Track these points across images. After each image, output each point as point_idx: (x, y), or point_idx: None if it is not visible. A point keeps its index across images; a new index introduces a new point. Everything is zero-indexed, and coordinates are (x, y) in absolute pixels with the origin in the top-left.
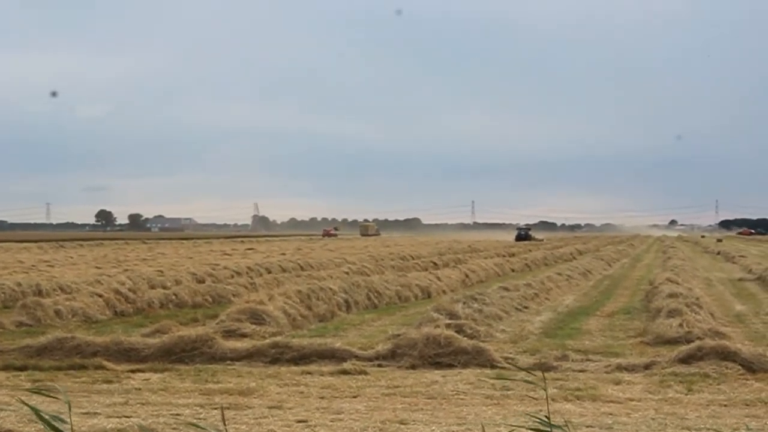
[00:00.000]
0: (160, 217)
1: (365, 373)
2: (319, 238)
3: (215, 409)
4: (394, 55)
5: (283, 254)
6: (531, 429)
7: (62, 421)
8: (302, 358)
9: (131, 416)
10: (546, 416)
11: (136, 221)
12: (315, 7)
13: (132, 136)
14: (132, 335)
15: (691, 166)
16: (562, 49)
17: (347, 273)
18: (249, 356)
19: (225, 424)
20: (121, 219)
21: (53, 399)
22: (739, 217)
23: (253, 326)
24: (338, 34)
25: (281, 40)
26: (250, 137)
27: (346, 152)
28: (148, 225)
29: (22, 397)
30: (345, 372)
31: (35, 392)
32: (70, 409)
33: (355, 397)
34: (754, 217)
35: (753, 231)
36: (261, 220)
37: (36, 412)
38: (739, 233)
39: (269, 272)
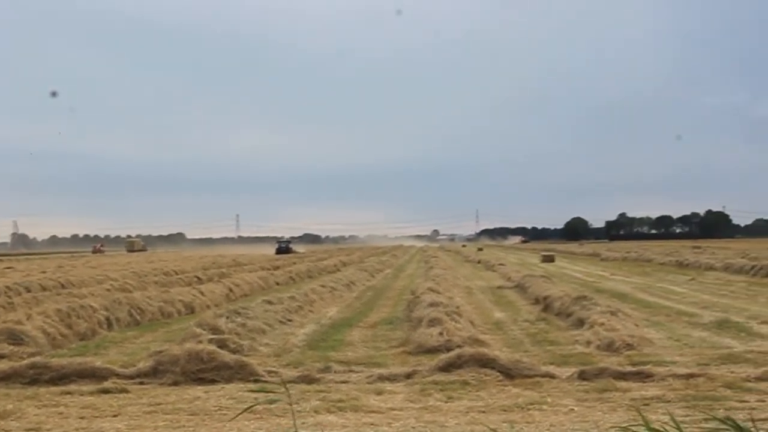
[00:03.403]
0: None
1: (126, 391)
2: (83, 255)
3: None
4: (161, 72)
5: (44, 272)
6: None
7: None
8: (62, 378)
9: None
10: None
11: None
12: (77, 19)
13: None
14: None
15: (452, 177)
16: (327, 63)
17: (109, 290)
18: (6, 378)
19: None
20: None
21: None
22: (498, 226)
23: (11, 347)
24: (105, 49)
25: (43, 55)
26: (8, 156)
27: (109, 170)
28: None
29: None
30: (106, 391)
31: None
32: None
33: (115, 416)
34: (513, 226)
35: (525, 239)
36: (20, 239)
37: None
38: (521, 241)
39: (28, 291)
